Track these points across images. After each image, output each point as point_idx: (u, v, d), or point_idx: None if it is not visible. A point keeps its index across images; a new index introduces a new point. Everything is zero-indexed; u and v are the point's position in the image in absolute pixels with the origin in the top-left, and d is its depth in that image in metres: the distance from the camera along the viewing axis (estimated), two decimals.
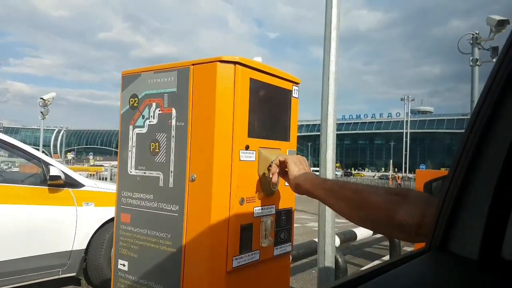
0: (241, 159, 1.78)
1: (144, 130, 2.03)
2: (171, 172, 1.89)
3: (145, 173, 2.02)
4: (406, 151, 66.57)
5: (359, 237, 5.90)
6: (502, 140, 0.63)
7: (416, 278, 0.70)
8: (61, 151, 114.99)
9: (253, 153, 1.84)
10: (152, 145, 1.98)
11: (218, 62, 1.80)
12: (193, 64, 1.88)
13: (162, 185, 1.92)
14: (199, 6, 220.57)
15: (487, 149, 0.66)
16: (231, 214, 1.75)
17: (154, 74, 2.02)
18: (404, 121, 71.45)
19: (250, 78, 1.86)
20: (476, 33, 10.31)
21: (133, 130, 2.10)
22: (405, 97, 70.12)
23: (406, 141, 67.18)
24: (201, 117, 1.83)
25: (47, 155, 5.48)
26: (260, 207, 1.89)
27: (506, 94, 0.63)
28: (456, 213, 0.69)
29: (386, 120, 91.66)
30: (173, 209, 1.85)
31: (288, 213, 2.08)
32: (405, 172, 64.45)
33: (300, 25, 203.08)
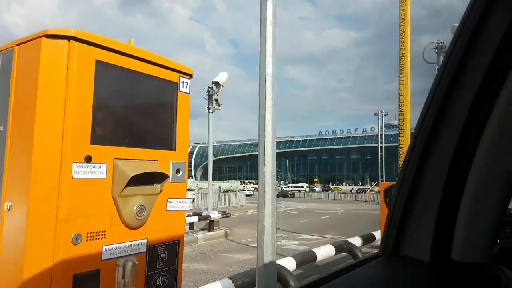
0: (75, 176, 1.23)
1: None
2: None
3: None
4: (381, 164, 66.84)
5: (320, 257, 5.40)
6: (446, 146, 0.67)
7: (368, 281, 0.71)
8: None
9: (102, 167, 1.29)
10: None
11: (43, 38, 1.26)
12: (18, 44, 1.34)
13: None
14: (174, 28, 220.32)
15: (432, 155, 0.69)
16: (56, 259, 1.19)
17: None
18: (379, 135, 72.02)
19: (97, 61, 1.32)
20: (441, 42, 9.99)
21: None
22: (379, 112, 70.85)
23: (381, 155, 67.53)
24: (22, 118, 1.29)
25: None
26: (114, 245, 1.33)
27: (447, 103, 0.67)
28: (406, 218, 0.73)
29: (361, 135, 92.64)
30: None
31: (172, 248, 1.52)
32: None
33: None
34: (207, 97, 13.62)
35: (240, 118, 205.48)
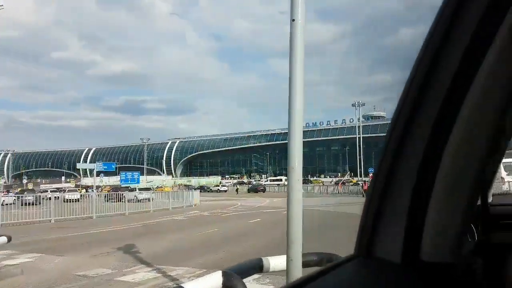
0: None
1: None
2: None
3: None
4: (359, 155, 67.42)
5: None
6: (416, 147, 0.69)
7: (343, 284, 0.73)
8: (8, 176, 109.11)
9: None
10: None
11: None
12: None
13: None
14: (155, 22, 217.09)
15: (404, 156, 0.71)
16: None
17: None
18: (356, 126, 72.59)
19: None
20: None
21: None
22: (356, 103, 71.28)
23: (359, 146, 68.10)
24: None
25: None
26: None
27: (419, 103, 0.69)
28: (378, 220, 0.74)
29: (340, 127, 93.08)
30: None
31: None
32: (360, 176, 65.21)
33: (257, 38, 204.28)
34: None
35: (226, 112, 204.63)
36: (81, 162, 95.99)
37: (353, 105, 72.85)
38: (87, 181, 79.63)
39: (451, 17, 0.64)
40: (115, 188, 37.74)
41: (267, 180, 77.94)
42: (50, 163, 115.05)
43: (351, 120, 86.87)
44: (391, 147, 0.71)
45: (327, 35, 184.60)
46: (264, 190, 55.14)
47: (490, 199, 1.79)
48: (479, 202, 0.89)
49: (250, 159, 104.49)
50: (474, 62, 0.64)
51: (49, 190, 39.42)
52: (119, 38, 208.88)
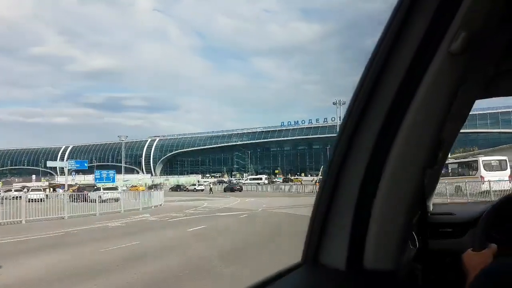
0: None
1: None
2: None
3: None
4: None
5: None
6: (359, 161, 0.73)
7: None
8: None
9: None
10: None
11: None
12: None
13: None
14: (136, 18, 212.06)
15: (349, 167, 0.75)
16: None
17: None
18: (337, 125, 72.18)
19: None
20: None
21: None
22: (337, 101, 70.72)
23: None
24: None
25: None
26: None
27: (362, 121, 0.73)
28: (325, 228, 0.77)
29: (322, 125, 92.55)
30: None
31: None
32: None
33: (241, 37, 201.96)
34: None
35: (208, 110, 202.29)
36: (57, 160, 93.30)
37: (334, 103, 72.21)
38: (62, 179, 77.29)
39: (395, 34, 0.68)
40: (80, 188, 36.11)
41: (247, 179, 76.88)
42: (26, 161, 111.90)
43: (333, 119, 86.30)
44: (336, 159, 0.75)
45: (311, 34, 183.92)
46: (240, 190, 53.87)
47: (430, 208, 1.82)
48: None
49: (232, 157, 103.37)
50: (415, 80, 0.67)
51: (13, 190, 37.41)
52: (99, 33, 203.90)
